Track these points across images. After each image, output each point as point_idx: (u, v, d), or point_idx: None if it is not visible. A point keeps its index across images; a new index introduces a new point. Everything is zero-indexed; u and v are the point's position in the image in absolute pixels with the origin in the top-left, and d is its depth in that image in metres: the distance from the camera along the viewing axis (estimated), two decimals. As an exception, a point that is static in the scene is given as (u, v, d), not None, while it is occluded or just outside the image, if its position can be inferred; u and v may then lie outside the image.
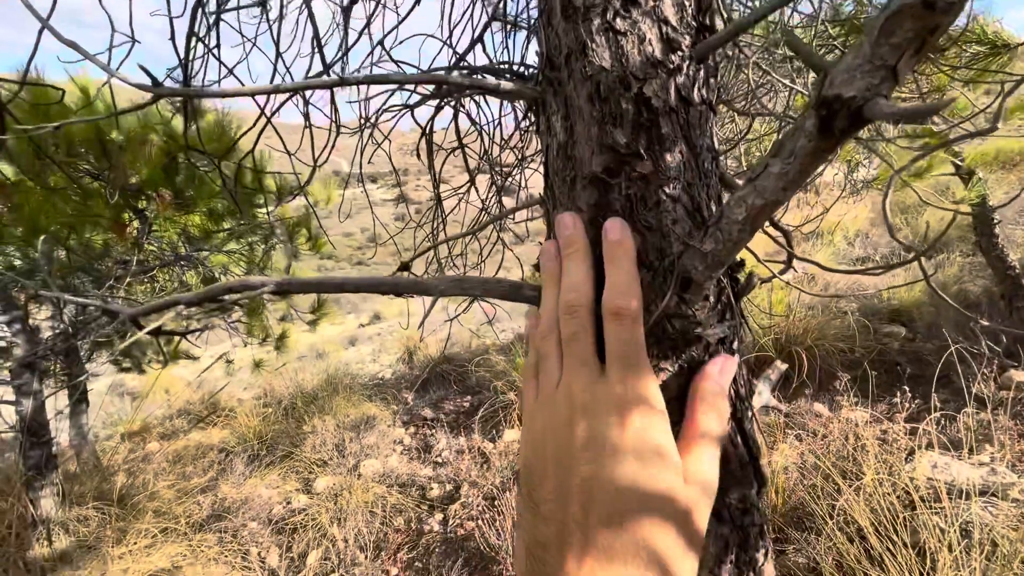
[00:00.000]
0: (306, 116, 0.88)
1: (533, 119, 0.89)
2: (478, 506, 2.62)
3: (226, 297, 0.65)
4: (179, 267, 3.22)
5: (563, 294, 0.40)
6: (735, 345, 0.44)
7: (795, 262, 0.82)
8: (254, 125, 0.81)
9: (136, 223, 2.86)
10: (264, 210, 3.10)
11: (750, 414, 0.45)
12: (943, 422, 2.02)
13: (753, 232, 0.35)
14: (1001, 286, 2.69)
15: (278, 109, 0.92)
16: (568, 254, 0.41)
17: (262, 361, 3.36)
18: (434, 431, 3.99)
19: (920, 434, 1.90)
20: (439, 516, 2.69)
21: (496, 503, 2.47)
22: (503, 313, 8.87)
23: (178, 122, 2.56)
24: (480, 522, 2.28)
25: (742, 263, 0.44)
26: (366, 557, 2.40)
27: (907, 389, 1.93)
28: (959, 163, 2.31)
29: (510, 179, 1.30)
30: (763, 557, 0.44)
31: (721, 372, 0.40)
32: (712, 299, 0.42)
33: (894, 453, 1.75)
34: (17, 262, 2.57)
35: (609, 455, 0.32)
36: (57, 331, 2.49)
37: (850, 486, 1.54)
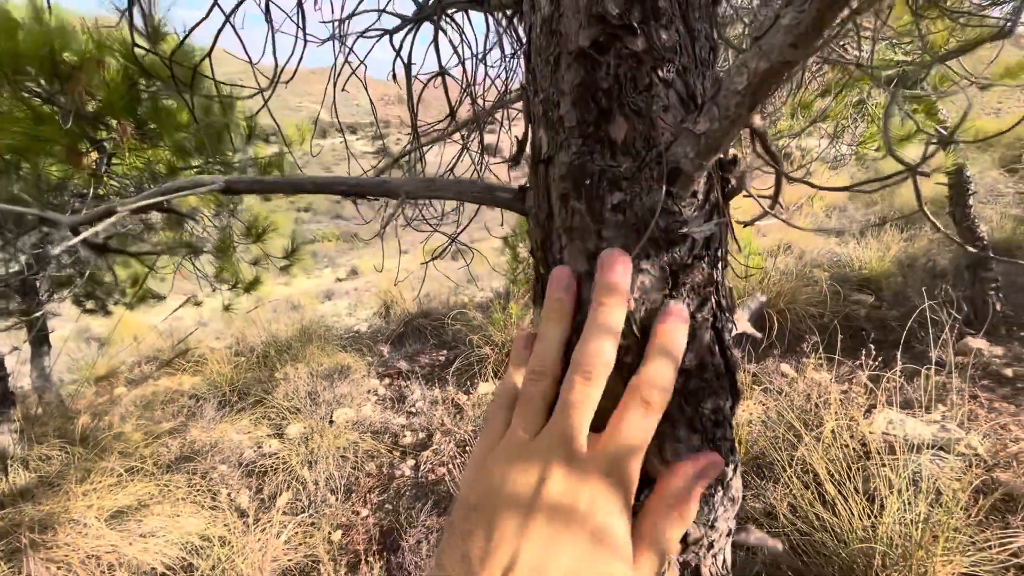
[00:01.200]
0: (267, 15, 0.79)
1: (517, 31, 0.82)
2: (449, 452, 2.66)
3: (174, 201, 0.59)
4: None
5: (586, 354, 0.35)
6: (719, 252, 0.41)
7: (780, 205, 0.79)
8: (207, 16, 0.73)
9: (94, 154, 2.68)
10: (234, 152, 2.94)
11: (730, 325, 0.43)
12: (902, 383, 2.09)
13: (753, 107, 0.31)
14: (968, 256, 2.76)
15: (236, 7, 0.83)
16: (605, 304, 0.36)
17: (232, 304, 3.27)
18: (409, 383, 4.00)
19: (880, 393, 1.97)
20: (411, 462, 2.72)
21: (468, 449, 2.50)
22: (483, 271, 8.86)
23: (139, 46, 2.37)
24: (451, 466, 2.32)
25: (735, 160, 0.40)
26: (337, 499, 2.42)
27: (872, 348, 1.99)
28: (943, 131, 2.31)
29: (491, 115, 1.23)
30: (732, 471, 0.44)
31: (697, 474, 0.37)
32: (700, 196, 0.38)
33: (853, 409, 1.81)
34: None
35: (567, 541, 0.30)
36: (11, 265, 2.36)
37: (810, 437, 1.59)
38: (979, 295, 2.78)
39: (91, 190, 2.68)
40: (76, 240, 0.64)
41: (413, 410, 3.50)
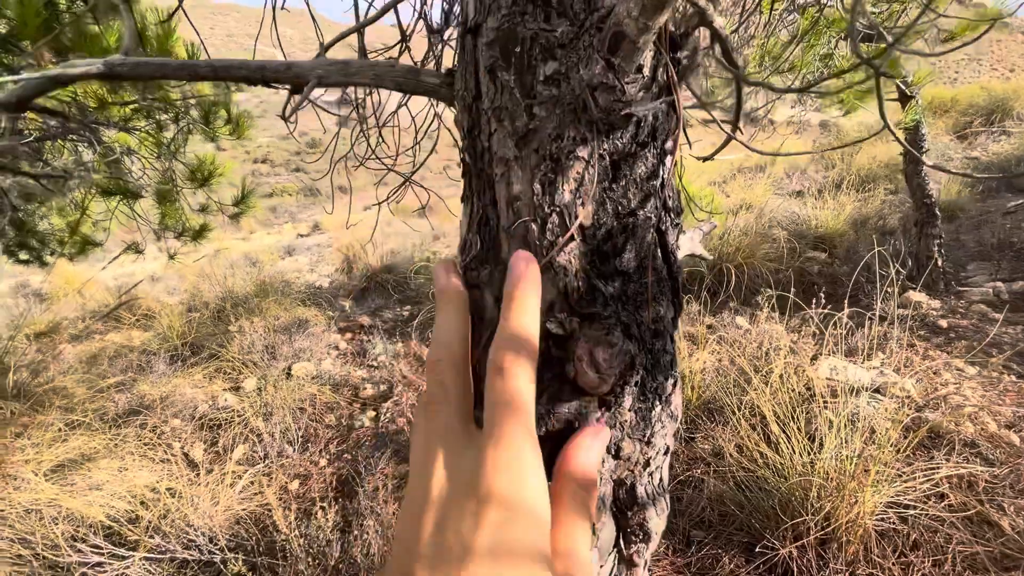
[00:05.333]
0: None
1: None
2: (409, 403, 2.65)
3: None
4: (70, 141, 2.79)
5: (501, 340, 0.30)
6: (667, 144, 0.37)
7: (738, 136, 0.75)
8: None
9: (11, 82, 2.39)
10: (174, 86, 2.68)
11: (675, 230, 0.39)
12: (847, 333, 2.18)
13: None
14: (917, 212, 2.86)
15: None
16: (518, 293, 0.31)
17: (177, 254, 3.08)
18: (371, 337, 3.95)
19: (826, 342, 2.05)
20: (371, 413, 2.70)
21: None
22: (451, 227, 8.71)
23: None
24: (411, 414, 2.31)
25: (686, 35, 0.35)
26: (294, 450, 2.39)
27: (822, 300, 2.06)
28: (903, 85, 2.32)
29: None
30: (672, 387, 0.41)
31: (592, 443, 0.33)
32: (647, 73, 0.34)
33: (801, 356, 1.88)
34: None
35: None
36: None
37: (758, 379, 1.64)
38: (923, 251, 2.90)
39: (9, 123, 2.41)
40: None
41: (375, 364, 3.46)
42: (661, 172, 0.37)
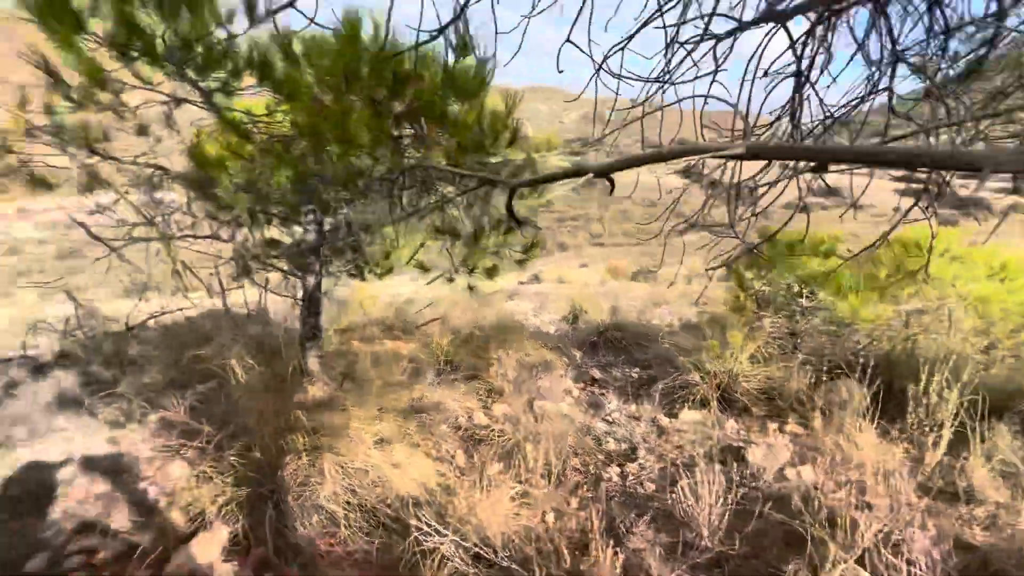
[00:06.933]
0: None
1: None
2: (658, 470, 2.58)
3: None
4: (431, 191, 3.67)
5: None
6: None
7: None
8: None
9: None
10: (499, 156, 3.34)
11: None
12: None
13: None
14: None
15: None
16: None
17: (475, 288, 3.70)
18: (604, 392, 4.03)
19: None
20: (616, 469, 2.71)
21: (675, 469, 2.39)
22: (671, 295, 8.51)
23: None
24: (672, 489, 2.23)
25: None
26: (547, 484, 2.54)
27: None
28: None
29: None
30: None
31: None
32: None
33: None
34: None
35: None
36: (345, 229, 3.02)
37: None
38: None
39: (400, 177, 3.30)
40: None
41: (611, 419, 3.50)
42: None
